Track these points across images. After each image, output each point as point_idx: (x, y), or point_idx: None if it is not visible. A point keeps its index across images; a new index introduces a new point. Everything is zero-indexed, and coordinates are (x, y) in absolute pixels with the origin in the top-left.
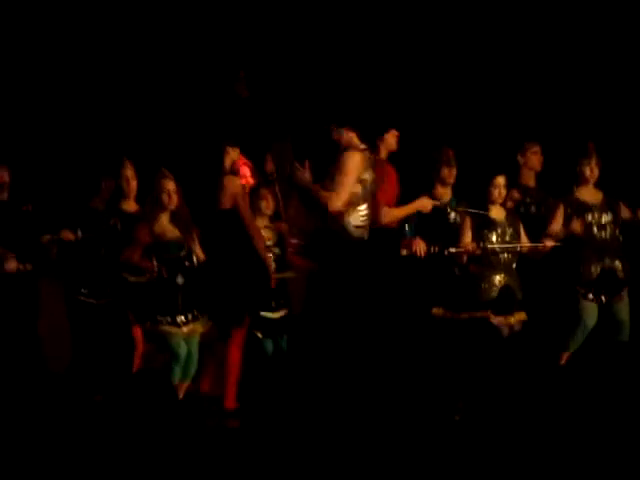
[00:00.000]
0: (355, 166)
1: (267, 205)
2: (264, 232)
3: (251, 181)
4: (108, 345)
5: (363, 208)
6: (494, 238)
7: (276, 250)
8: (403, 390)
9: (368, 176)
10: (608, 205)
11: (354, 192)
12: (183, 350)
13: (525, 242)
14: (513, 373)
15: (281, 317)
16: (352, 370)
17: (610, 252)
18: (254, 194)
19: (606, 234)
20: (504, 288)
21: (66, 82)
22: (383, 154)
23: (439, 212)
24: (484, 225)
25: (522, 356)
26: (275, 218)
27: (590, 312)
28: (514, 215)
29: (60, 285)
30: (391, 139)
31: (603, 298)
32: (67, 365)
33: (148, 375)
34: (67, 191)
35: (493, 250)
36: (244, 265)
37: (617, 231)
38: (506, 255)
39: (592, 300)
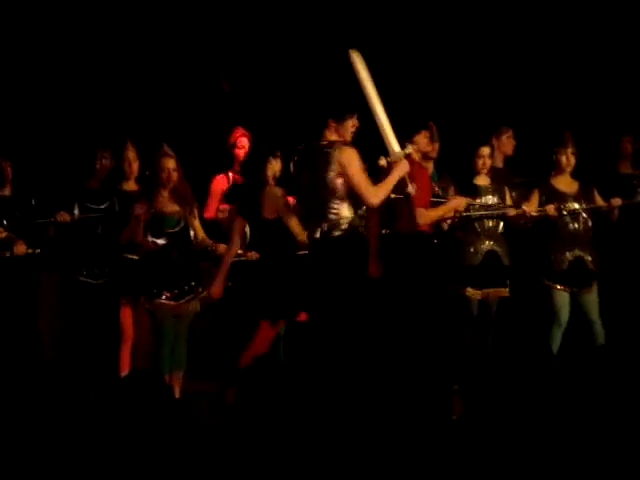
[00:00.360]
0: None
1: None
2: None
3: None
4: (101, 328)
5: None
6: (478, 201)
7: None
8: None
9: None
10: (583, 195)
11: None
12: (171, 330)
13: (510, 207)
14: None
15: None
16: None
17: (581, 243)
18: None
19: (579, 224)
20: (489, 253)
21: (62, 67)
22: (416, 156)
23: None
24: (468, 192)
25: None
26: None
27: (562, 302)
28: (500, 183)
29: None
30: (422, 140)
31: (573, 289)
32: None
33: (142, 373)
34: (63, 172)
35: (476, 216)
36: (290, 271)
37: (589, 222)
38: (490, 222)
39: (562, 289)
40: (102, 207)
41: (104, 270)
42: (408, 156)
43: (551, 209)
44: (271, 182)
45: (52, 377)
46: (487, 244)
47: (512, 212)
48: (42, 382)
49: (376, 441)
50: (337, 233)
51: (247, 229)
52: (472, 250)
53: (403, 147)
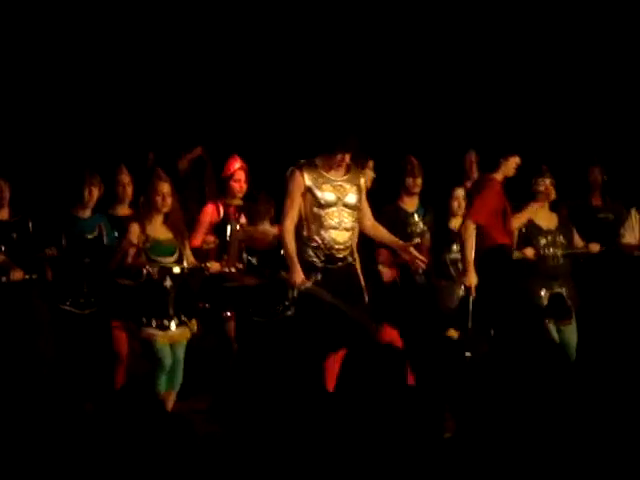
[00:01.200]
0: None
1: (267, 210)
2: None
3: (244, 186)
4: (92, 356)
5: None
6: (454, 248)
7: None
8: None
9: None
10: (562, 231)
11: None
12: (168, 357)
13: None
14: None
15: None
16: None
17: (559, 277)
18: (256, 198)
19: (557, 259)
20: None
21: (50, 90)
22: (500, 176)
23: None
24: (443, 236)
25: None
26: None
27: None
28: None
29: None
30: (512, 164)
31: (552, 324)
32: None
33: (135, 387)
34: (53, 199)
35: (451, 260)
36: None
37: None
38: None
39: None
40: (91, 237)
41: (90, 300)
42: None
43: (530, 253)
44: None
45: (50, 391)
46: (462, 289)
47: None
48: (40, 394)
49: (368, 462)
50: None
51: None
52: (449, 294)
53: None
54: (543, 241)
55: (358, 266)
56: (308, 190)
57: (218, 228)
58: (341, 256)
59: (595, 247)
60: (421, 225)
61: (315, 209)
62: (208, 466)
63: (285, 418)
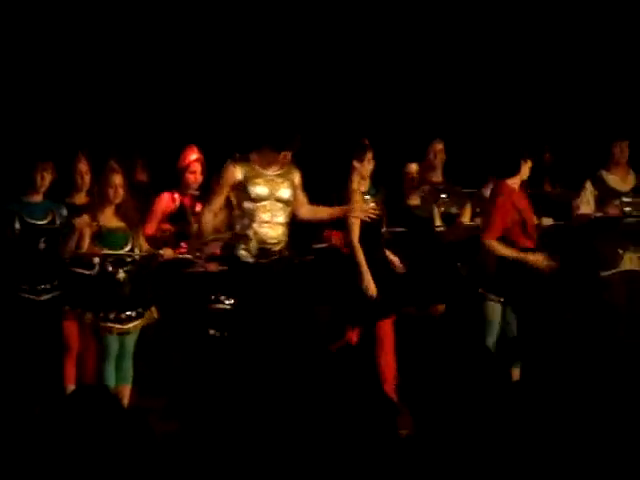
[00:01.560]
0: None
1: None
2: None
3: (199, 178)
4: (43, 343)
5: None
6: None
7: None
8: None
9: None
10: None
11: None
12: (115, 348)
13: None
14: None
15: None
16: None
17: None
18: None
19: None
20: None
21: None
22: (517, 180)
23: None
24: (401, 212)
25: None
26: None
27: (493, 312)
28: (429, 200)
29: None
30: (526, 169)
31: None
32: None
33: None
34: (5, 185)
35: None
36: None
37: None
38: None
39: (495, 300)
40: (43, 223)
41: (46, 286)
42: None
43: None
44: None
45: None
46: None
47: (442, 228)
48: None
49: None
50: None
51: None
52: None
53: None
54: None
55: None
56: (240, 184)
57: (174, 217)
58: (275, 250)
59: (548, 221)
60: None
61: (246, 203)
62: (164, 466)
63: (244, 413)
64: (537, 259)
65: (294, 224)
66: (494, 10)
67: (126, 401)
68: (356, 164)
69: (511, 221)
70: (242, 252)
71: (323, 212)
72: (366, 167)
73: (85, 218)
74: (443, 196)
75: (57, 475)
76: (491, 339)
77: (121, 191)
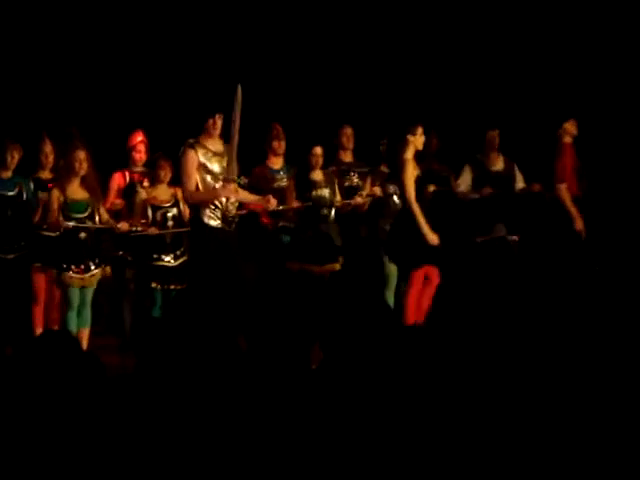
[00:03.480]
0: None
1: (165, 174)
2: (163, 195)
3: (144, 157)
4: (13, 299)
5: None
6: (314, 194)
7: (174, 210)
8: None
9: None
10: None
11: None
12: (77, 298)
13: (339, 199)
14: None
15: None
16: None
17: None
18: (155, 164)
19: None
20: (324, 238)
21: None
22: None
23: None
24: (306, 185)
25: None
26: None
27: (390, 269)
28: (331, 177)
29: None
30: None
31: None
32: None
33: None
34: None
35: (314, 205)
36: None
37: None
38: (324, 210)
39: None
40: (12, 194)
41: (14, 246)
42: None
43: (377, 190)
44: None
45: None
46: (322, 229)
47: (339, 203)
48: None
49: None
50: None
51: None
52: (309, 234)
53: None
54: (391, 188)
55: None
56: (201, 164)
57: (125, 192)
58: (232, 214)
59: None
60: (285, 180)
61: (208, 178)
62: (117, 399)
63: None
64: (431, 237)
65: None
66: None
67: (85, 341)
68: (410, 137)
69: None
70: (210, 220)
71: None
72: (419, 139)
73: (55, 193)
74: (350, 173)
75: (27, 405)
76: (388, 292)
77: (85, 165)
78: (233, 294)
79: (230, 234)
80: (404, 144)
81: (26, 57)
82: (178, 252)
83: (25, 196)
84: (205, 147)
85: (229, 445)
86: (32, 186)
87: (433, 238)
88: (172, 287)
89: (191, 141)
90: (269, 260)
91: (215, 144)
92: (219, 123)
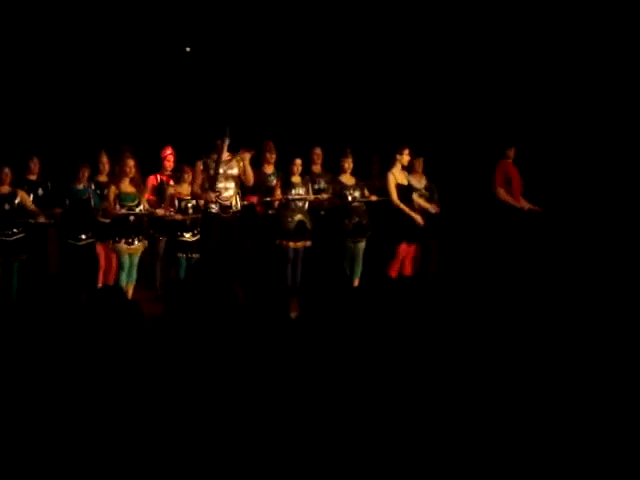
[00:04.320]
0: None
1: (188, 176)
2: (185, 191)
3: (172, 165)
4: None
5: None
6: (293, 191)
7: (192, 201)
8: None
9: None
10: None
11: None
12: (127, 262)
13: (311, 196)
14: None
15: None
16: None
17: (359, 213)
18: (180, 170)
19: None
20: (299, 222)
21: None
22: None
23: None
24: (288, 185)
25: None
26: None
27: (348, 248)
28: (307, 180)
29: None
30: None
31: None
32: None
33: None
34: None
35: (293, 199)
36: None
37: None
38: (300, 203)
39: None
40: (84, 198)
41: (83, 235)
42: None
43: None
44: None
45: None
46: (298, 216)
47: (311, 198)
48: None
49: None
50: None
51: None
52: (289, 220)
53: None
54: (348, 193)
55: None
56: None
57: (157, 189)
58: (228, 204)
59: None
60: (274, 181)
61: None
62: (151, 335)
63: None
64: (418, 219)
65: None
66: None
67: (131, 293)
68: (398, 156)
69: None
70: (212, 209)
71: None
72: (405, 159)
73: (112, 189)
74: (318, 180)
75: (90, 334)
76: (345, 263)
77: (133, 169)
78: (231, 260)
79: (227, 218)
80: (392, 161)
81: (90, 93)
82: (195, 231)
83: (92, 201)
84: (211, 157)
85: (232, 370)
86: (93, 186)
87: (419, 219)
88: (192, 256)
89: (203, 156)
90: (262, 237)
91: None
92: (226, 143)
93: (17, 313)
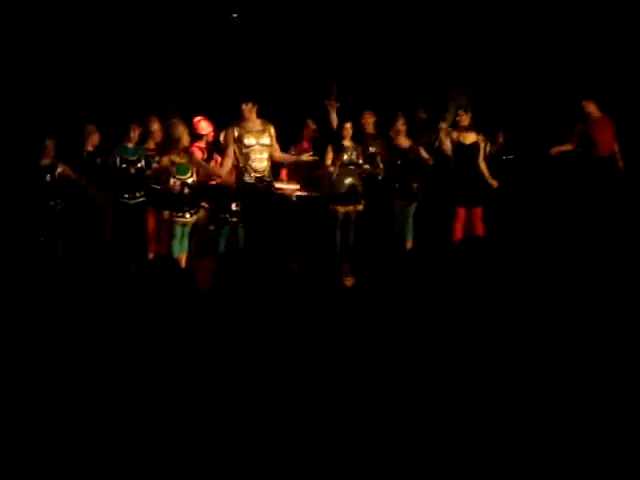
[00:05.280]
0: None
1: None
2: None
3: (211, 136)
4: (135, 235)
5: None
6: (345, 157)
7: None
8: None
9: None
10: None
11: None
12: (179, 232)
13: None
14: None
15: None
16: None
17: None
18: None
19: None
20: (351, 187)
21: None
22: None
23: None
24: (340, 149)
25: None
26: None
27: (399, 211)
28: (357, 144)
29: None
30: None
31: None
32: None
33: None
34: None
35: (344, 164)
36: None
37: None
38: (352, 167)
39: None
40: (132, 159)
41: (135, 195)
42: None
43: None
44: None
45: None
46: (349, 179)
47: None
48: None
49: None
50: None
51: None
52: (341, 184)
53: None
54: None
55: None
56: (238, 139)
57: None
58: (261, 175)
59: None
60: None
61: (244, 150)
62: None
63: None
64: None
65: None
66: None
67: (183, 261)
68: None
69: None
70: (246, 179)
71: (288, 158)
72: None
73: (165, 159)
74: (372, 143)
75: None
76: (396, 225)
77: (186, 138)
78: (268, 225)
79: (261, 187)
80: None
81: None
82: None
83: (143, 161)
84: (241, 125)
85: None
86: (145, 151)
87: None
88: (236, 224)
89: (232, 122)
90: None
91: (252, 124)
92: (249, 107)
93: (64, 285)
